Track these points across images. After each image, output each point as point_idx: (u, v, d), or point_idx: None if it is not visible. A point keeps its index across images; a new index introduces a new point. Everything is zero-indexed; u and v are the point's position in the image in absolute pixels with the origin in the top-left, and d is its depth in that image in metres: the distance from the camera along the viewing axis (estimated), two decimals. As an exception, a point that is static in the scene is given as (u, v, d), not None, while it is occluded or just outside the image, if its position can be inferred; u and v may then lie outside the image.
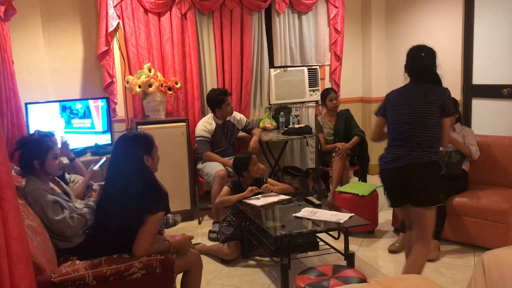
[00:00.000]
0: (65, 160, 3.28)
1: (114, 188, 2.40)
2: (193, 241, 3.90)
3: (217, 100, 4.43)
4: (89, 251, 2.40)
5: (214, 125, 4.51)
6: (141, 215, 2.32)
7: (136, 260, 2.26)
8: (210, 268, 3.49)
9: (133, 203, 2.33)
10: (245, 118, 4.78)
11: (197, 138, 4.48)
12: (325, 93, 4.97)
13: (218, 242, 3.73)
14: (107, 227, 2.39)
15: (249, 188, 3.59)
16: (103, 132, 4.46)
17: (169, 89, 4.50)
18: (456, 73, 4.92)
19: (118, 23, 4.57)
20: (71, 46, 4.55)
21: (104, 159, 3.38)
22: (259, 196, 3.59)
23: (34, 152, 2.59)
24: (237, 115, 4.71)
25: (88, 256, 2.34)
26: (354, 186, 4.21)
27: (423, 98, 2.76)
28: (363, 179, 4.86)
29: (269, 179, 3.87)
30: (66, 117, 4.24)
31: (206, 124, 4.50)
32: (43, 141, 2.65)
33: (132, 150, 2.42)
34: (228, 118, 4.59)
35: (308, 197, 3.56)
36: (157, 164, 2.54)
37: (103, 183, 2.62)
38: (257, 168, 3.76)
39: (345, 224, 3.06)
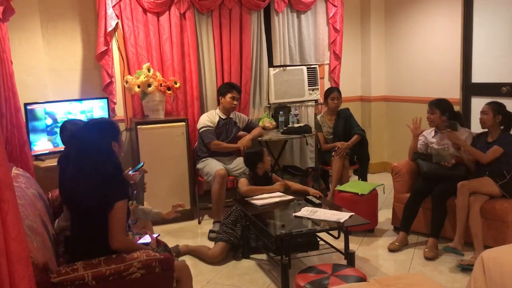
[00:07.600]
0: None
1: (81, 176, 2.34)
2: (190, 242, 3.92)
3: (223, 90, 4.53)
4: (72, 252, 2.41)
5: (217, 118, 4.51)
6: (110, 200, 2.27)
7: (136, 259, 2.26)
8: (210, 267, 3.49)
9: (101, 188, 2.29)
10: (247, 117, 4.83)
11: (202, 129, 4.45)
12: (329, 92, 4.96)
13: (201, 245, 3.75)
14: (81, 226, 2.38)
15: (278, 182, 3.74)
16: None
17: (168, 88, 4.50)
18: (455, 72, 4.92)
19: (117, 23, 4.57)
20: (70, 46, 4.55)
21: (142, 163, 3.16)
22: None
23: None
24: (241, 115, 4.74)
25: (73, 258, 2.32)
26: (353, 185, 4.21)
27: None
28: (363, 178, 4.86)
29: (273, 175, 3.93)
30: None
31: (209, 116, 4.53)
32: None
33: (101, 135, 2.41)
34: (231, 116, 4.59)
35: (308, 197, 3.57)
36: (123, 150, 2.63)
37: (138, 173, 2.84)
38: (269, 160, 3.88)
39: (345, 223, 3.07)
